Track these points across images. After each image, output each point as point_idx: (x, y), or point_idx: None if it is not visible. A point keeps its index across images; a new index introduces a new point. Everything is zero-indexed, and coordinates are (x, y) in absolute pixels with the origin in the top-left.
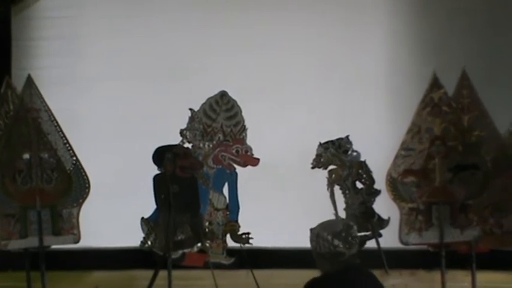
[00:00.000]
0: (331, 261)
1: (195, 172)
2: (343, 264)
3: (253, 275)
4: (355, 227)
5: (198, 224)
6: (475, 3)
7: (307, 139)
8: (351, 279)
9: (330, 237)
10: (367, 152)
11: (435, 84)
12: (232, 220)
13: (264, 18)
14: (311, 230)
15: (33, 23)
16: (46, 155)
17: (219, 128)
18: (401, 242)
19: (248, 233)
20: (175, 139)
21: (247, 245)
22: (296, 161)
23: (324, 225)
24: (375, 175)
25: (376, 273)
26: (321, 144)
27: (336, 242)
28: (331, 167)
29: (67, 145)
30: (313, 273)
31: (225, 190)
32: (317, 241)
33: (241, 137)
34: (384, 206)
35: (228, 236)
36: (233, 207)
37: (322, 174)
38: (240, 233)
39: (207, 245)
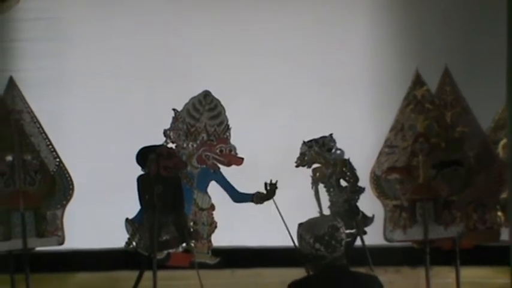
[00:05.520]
0: (313, 263)
1: (179, 172)
2: (325, 266)
3: None
4: (341, 229)
5: (183, 224)
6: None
7: (291, 138)
8: (331, 281)
9: (311, 241)
10: (350, 150)
11: (418, 81)
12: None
13: (246, 18)
14: (298, 225)
15: (15, 25)
16: (29, 157)
17: (202, 127)
18: (386, 239)
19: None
20: (158, 139)
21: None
22: (280, 160)
23: (308, 226)
24: (358, 173)
25: (361, 271)
26: (304, 143)
27: (317, 245)
28: (315, 165)
29: (50, 147)
30: (297, 272)
31: (210, 190)
32: (300, 241)
33: (225, 136)
34: (368, 203)
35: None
36: (235, 195)
37: (306, 172)
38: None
39: (192, 245)
